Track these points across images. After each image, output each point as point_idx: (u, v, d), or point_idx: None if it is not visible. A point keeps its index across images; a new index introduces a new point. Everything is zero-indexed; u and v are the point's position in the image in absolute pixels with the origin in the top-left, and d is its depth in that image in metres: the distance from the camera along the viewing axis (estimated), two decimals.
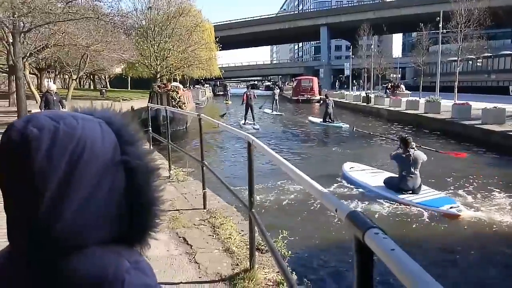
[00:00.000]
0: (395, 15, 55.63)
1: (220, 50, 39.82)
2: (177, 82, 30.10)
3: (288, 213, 6.01)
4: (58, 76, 37.63)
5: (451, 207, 5.77)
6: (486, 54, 31.07)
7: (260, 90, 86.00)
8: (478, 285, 4.28)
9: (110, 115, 0.62)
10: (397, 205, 6.11)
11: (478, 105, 15.19)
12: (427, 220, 5.66)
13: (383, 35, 65.24)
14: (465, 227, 5.50)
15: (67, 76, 36.16)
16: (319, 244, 4.86)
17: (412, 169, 6.31)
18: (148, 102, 14.97)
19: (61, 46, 17.31)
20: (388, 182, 6.63)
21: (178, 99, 15.05)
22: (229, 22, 69.01)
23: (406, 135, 6.84)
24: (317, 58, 77.98)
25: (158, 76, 30.21)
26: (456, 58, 24.12)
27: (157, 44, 29.12)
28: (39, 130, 0.53)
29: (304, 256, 4.47)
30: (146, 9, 30.18)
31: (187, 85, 43.08)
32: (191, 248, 3.52)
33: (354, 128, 11.76)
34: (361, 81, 42.39)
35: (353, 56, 45.13)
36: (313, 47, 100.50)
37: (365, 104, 25.70)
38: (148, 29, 29.59)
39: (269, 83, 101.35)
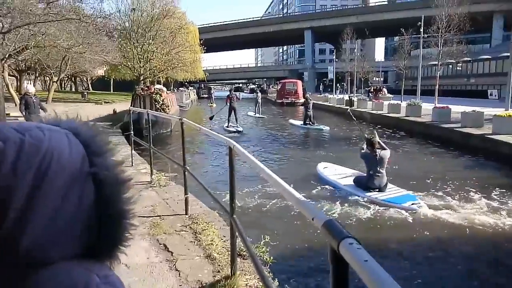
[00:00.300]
0: (377, 20, 56.57)
1: (204, 52, 39.69)
2: (160, 84, 29.90)
3: (271, 217, 6.01)
4: (39, 78, 36.91)
5: (412, 204, 6.17)
6: (465, 59, 31.82)
7: (245, 92, 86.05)
8: (438, 283, 4.37)
9: (77, 126, 0.60)
10: (365, 202, 6.45)
11: (458, 109, 15.53)
12: (393, 216, 5.96)
13: (366, 39, 66.20)
14: (434, 226, 5.63)
15: (47, 78, 35.52)
16: (301, 250, 4.86)
17: (379, 168, 6.72)
18: (131, 104, 14.77)
19: (41, 47, 17.00)
20: (357, 181, 7.01)
21: (161, 102, 14.88)
22: (214, 24, 68.98)
23: (371, 136, 7.07)
24: (302, 61, 78.58)
25: (142, 78, 29.89)
26: (436, 62, 24.62)
27: (140, 46, 28.82)
28: (3, 143, 0.51)
29: (286, 262, 4.45)
30: (129, 10, 29.86)
31: (171, 88, 42.77)
32: (171, 255, 3.47)
33: (349, 109, 11.43)
34: (344, 84, 42.85)
35: (336, 59, 45.63)
36: (298, 50, 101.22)
37: (348, 107, 25.96)
38: (131, 31, 29.26)
39: (253, 86, 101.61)
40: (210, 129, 3.98)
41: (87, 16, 15.25)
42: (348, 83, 40.37)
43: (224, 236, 3.80)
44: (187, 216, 4.44)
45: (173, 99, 20.79)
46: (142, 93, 14.91)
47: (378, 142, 6.87)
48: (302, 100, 39.11)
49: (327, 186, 7.41)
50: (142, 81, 29.60)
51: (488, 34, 52.13)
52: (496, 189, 7.42)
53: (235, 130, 16.53)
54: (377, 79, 50.42)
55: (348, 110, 10.38)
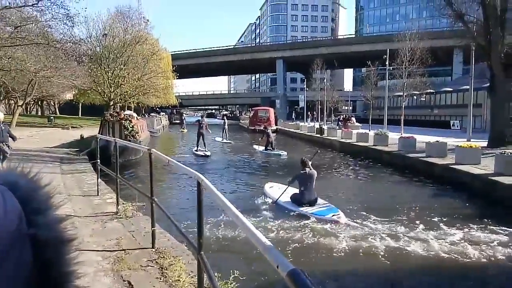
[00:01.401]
0: (345, 52, 58.91)
1: (177, 78, 39.81)
2: (131, 109, 29.53)
3: (242, 248, 5.89)
4: (3, 101, 35.61)
5: (333, 215, 7.24)
6: (429, 90, 33.43)
7: (218, 119, 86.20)
8: None
9: (15, 179, 0.54)
10: (297, 215, 7.55)
11: (422, 138, 16.14)
12: (318, 227, 6.91)
13: (335, 70, 68.55)
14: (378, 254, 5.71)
15: (12, 102, 34.33)
16: (272, 285, 4.76)
17: (308, 185, 7.92)
18: (99, 130, 14.43)
19: (7, 71, 16.49)
20: (293, 197, 8.13)
21: (131, 128, 14.62)
22: (187, 51, 69.58)
23: (305, 158, 8.42)
24: (274, 89, 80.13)
25: (112, 103, 29.44)
26: (401, 93, 25.72)
27: (111, 71, 28.53)
28: None
29: None
30: (101, 36, 29.68)
31: (142, 113, 42.29)
32: None
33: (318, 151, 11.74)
34: (314, 113, 43.83)
35: (307, 88, 46.79)
36: (270, 79, 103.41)
37: (318, 135, 26.48)
38: (102, 56, 29.01)
39: (226, 112, 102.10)
40: (178, 161, 3.90)
41: (56, 41, 15.00)
42: (319, 111, 41.34)
43: (192, 272, 3.69)
44: (153, 250, 4.29)
45: (143, 125, 20.52)
46: (111, 118, 14.63)
47: (309, 164, 8.16)
48: (274, 127, 39.74)
49: (270, 202, 8.56)
50: (112, 106, 29.14)
51: (450, 68, 55.26)
52: (454, 216, 7.72)
53: (203, 154, 17.70)
54: (346, 108, 51.93)
55: (318, 151, 10.92)
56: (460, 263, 5.57)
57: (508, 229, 6.95)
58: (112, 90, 28.92)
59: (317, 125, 30.90)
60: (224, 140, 25.58)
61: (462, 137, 17.94)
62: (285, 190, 8.37)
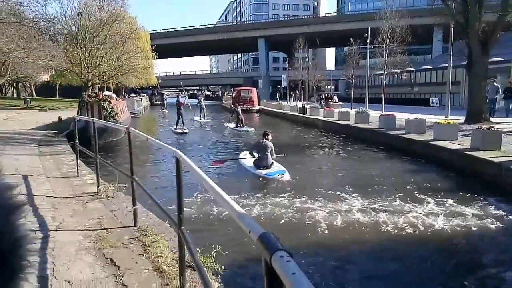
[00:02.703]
0: (327, 30, 58.61)
1: (157, 58, 38.96)
2: (110, 91, 28.90)
3: (223, 223, 5.95)
4: None
5: (278, 175, 9.01)
6: (409, 69, 33.73)
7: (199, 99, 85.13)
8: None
9: None
10: (254, 175, 9.38)
11: (402, 116, 16.40)
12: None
13: (317, 49, 68.26)
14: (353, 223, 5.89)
15: None
16: (253, 258, 4.86)
17: (264, 152, 9.54)
18: (77, 112, 14.13)
19: None
20: (254, 163, 9.78)
21: (110, 109, 14.36)
22: (166, 30, 68.00)
23: (267, 131, 10.03)
24: (256, 69, 79.39)
25: (90, 84, 28.70)
26: (382, 72, 25.90)
27: (88, 51, 27.68)
28: None
29: (237, 272, 4.44)
30: (76, 14, 28.63)
31: (122, 94, 41.46)
32: (118, 269, 3.33)
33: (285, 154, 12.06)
34: (297, 92, 43.81)
35: (290, 68, 46.62)
36: (252, 58, 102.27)
37: (301, 114, 26.58)
38: (78, 35, 28.05)
39: (209, 93, 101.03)
40: (157, 138, 3.89)
41: (28, 19, 14.40)
42: (301, 91, 41.34)
43: (175, 248, 3.72)
44: (135, 228, 4.30)
45: (123, 106, 20.18)
46: (89, 100, 14.31)
47: (269, 137, 9.73)
48: (257, 107, 39.63)
49: (240, 167, 10.40)
50: (91, 87, 28.44)
51: (430, 46, 55.78)
52: (430, 189, 7.98)
53: (181, 131, 19.55)
54: (328, 87, 52.06)
55: (285, 155, 11.00)
56: (433, 233, 5.79)
57: (482, 201, 7.23)
58: (89, 71, 28.14)
59: (299, 104, 30.96)
60: (202, 120, 26.58)
61: (441, 114, 18.29)
62: (248, 156, 10.18)
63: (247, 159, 10.35)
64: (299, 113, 27.47)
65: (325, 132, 19.67)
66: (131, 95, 45.54)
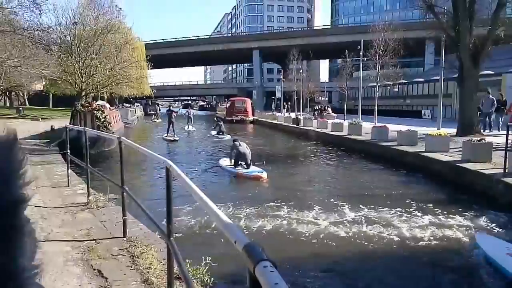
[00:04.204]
0: (321, 42, 59.25)
1: (151, 68, 38.97)
2: (104, 100, 28.82)
3: (214, 234, 5.90)
4: None
5: (257, 173, 10.59)
6: (401, 81, 34.11)
7: (194, 109, 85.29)
8: None
9: None
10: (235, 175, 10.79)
11: (395, 128, 16.51)
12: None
13: (311, 61, 68.89)
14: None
15: None
16: (243, 270, 4.81)
17: (242, 154, 11.03)
18: (70, 121, 14.04)
19: None
20: (234, 163, 11.22)
21: (103, 119, 14.29)
22: (162, 41, 68.24)
23: (235, 138, 12.53)
24: (250, 80, 79.80)
25: (84, 93, 28.60)
26: (375, 84, 26.16)
27: (82, 61, 27.63)
28: None
29: (227, 283, 4.39)
30: (71, 24, 28.65)
31: (116, 104, 41.35)
32: (106, 281, 3.28)
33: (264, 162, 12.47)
34: (289, 103, 44.06)
35: (284, 79, 46.91)
36: (246, 69, 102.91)
37: (295, 125, 26.68)
38: (73, 45, 28.04)
39: (203, 103, 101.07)
40: (149, 149, 3.87)
41: (22, 29, 14.39)
42: (295, 102, 41.59)
43: (164, 259, 3.67)
44: (125, 239, 4.25)
45: (116, 115, 20.13)
46: (82, 109, 14.24)
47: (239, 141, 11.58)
48: (251, 118, 39.71)
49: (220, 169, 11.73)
50: (84, 97, 28.34)
51: (422, 59, 56.55)
52: (421, 201, 7.99)
53: (172, 139, 21.00)
54: (322, 98, 52.41)
55: (264, 162, 12.34)
56: (423, 246, 5.79)
57: (472, 213, 7.26)
58: (83, 80, 28.05)
59: (293, 115, 31.10)
60: (190, 128, 28.54)
61: (433, 126, 18.43)
62: (230, 159, 11.60)
63: (228, 162, 11.83)
64: (292, 124, 27.57)
65: (319, 142, 19.73)
66: (124, 105, 45.43)
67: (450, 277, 5.11)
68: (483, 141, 10.36)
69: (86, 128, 6.41)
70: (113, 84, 30.68)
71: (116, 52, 29.50)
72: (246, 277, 0.98)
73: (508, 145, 8.49)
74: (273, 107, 51.95)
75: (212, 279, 3.52)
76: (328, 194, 8.94)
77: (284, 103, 44.92)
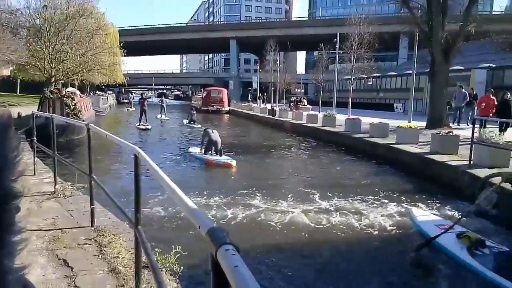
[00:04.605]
0: (298, 34, 59.33)
1: (125, 56, 37.99)
2: (74, 87, 27.92)
3: (184, 223, 5.84)
4: None
5: (227, 160, 10.87)
6: (375, 75, 34.70)
7: (169, 99, 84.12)
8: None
9: None
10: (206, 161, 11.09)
11: (367, 120, 16.81)
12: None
13: (288, 52, 68.96)
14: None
15: None
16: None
17: (213, 141, 11.33)
18: (38, 108, 13.54)
19: None
20: (205, 151, 11.56)
21: (73, 106, 13.85)
22: (136, 27, 66.53)
23: (206, 128, 12.39)
24: (227, 70, 79.24)
25: (53, 80, 27.60)
26: (350, 77, 26.50)
27: (52, 46, 26.61)
28: None
29: (196, 272, 4.37)
30: (40, 7, 27.46)
31: (87, 92, 40.18)
32: (71, 270, 3.19)
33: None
34: (265, 94, 44.06)
35: (260, 70, 46.80)
36: (223, 59, 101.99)
37: (270, 116, 26.74)
38: (42, 29, 26.92)
39: (179, 92, 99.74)
40: (121, 136, 3.77)
41: None
42: (271, 93, 41.63)
43: (132, 248, 3.61)
44: (92, 228, 4.14)
45: (87, 103, 19.58)
46: (51, 96, 13.75)
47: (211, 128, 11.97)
48: (227, 108, 39.47)
49: (192, 157, 12.00)
50: (54, 83, 27.35)
51: (396, 53, 57.66)
52: (390, 191, 8.22)
53: (145, 127, 20.94)
54: (298, 90, 52.70)
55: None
56: (386, 233, 5.95)
57: (437, 202, 7.51)
58: (53, 66, 27.05)
59: (269, 106, 31.14)
60: (163, 117, 28.48)
61: (404, 119, 18.89)
62: (201, 147, 11.91)
63: (199, 150, 12.25)
64: (268, 115, 27.62)
65: (293, 134, 19.87)
66: (96, 92, 44.22)
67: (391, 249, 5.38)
68: (451, 133, 10.70)
69: (53, 115, 6.17)
70: (84, 70, 29.75)
71: (88, 37, 28.59)
72: (209, 261, 0.96)
73: (474, 138, 8.78)
74: (250, 98, 51.87)
75: (182, 267, 3.49)
76: (300, 183, 9.06)
77: (260, 94, 44.85)
